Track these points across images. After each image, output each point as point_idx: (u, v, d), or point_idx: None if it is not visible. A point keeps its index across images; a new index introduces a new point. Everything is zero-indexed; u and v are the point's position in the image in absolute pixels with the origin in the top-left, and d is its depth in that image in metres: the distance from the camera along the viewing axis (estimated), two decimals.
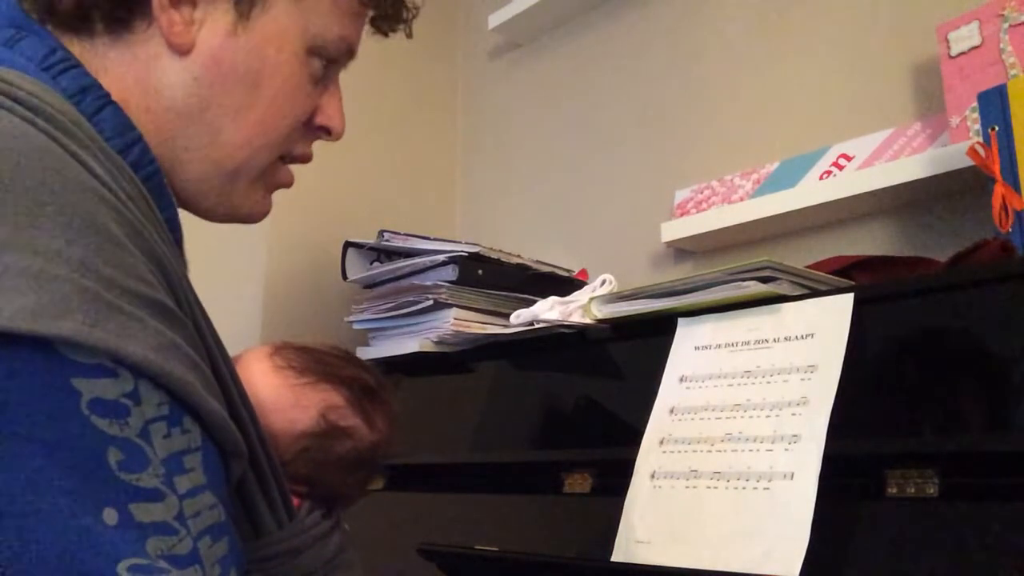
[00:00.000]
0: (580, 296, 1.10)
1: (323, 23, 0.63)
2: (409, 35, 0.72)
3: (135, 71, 0.58)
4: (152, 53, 0.58)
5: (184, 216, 0.66)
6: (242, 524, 0.57)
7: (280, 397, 0.75)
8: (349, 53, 0.66)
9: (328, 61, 0.65)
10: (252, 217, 0.68)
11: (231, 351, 0.80)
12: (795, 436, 0.78)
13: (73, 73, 0.55)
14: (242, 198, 0.65)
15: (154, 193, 0.56)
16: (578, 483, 0.98)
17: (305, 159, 0.68)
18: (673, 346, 0.95)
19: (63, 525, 0.41)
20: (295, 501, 0.70)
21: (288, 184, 0.69)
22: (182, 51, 0.58)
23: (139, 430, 0.44)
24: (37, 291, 0.42)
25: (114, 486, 0.43)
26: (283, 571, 0.63)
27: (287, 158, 0.67)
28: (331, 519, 0.74)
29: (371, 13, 0.68)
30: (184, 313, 0.51)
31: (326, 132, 0.68)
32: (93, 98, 0.55)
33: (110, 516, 0.42)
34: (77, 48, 0.58)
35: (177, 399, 0.46)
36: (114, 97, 0.57)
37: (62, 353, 0.42)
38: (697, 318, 0.94)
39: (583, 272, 1.47)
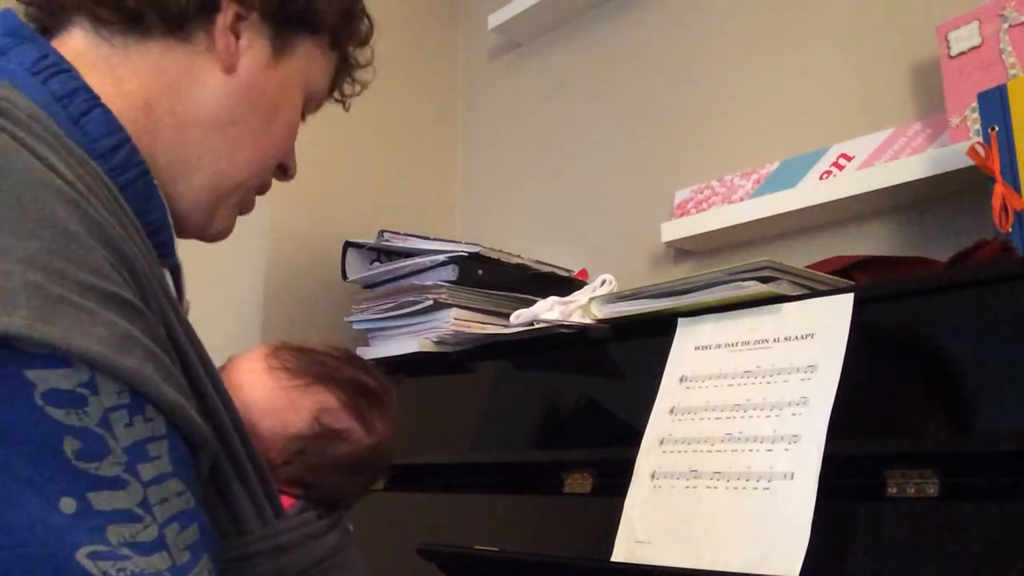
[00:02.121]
0: (580, 296, 1.10)
1: (318, 76, 0.73)
2: (346, 109, 0.84)
3: (172, 76, 0.63)
4: (197, 64, 0.64)
5: None
6: (222, 520, 0.57)
7: (273, 399, 0.75)
8: (318, 106, 0.77)
9: (305, 111, 0.74)
10: (220, 236, 0.72)
11: (231, 351, 0.80)
12: (795, 436, 0.78)
13: (62, 77, 0.57)
14: (221, 217, 0.70)
15: (140, 194, 0.58)
16: (578, 483, 0.98)
17: (266, 188, 0.75)
18: (673, 346, 0.95)
19: (21, 516, 0.41)
20: (290, 501, 0.70)
21: (249, 210, 0.75)
22: (229, 69, 0.65)
23: (99, 419, 0.44)
24: None
25: (71, 475, 0.43)
26: (269, 569, 0.63)
27: (258, 185, 0.74)
28: (328, 519, 0.73)
29: (336, 93, 0.80)
30: (152, 308, 0.51)
31: (283, 172, 0.76)
32: (81, 100, 0.56)
33: (67, 505, 0.42)
34: (94, 51, 0.61)
35: (134, 389, 0.47)
36: (140, 101, 0.61)
37: (14, 346, 0.42)
38: (697, 318, 0.94)
39: (583, 272, 1.47)
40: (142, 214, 0.57)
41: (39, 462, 0.42)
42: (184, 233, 0.69)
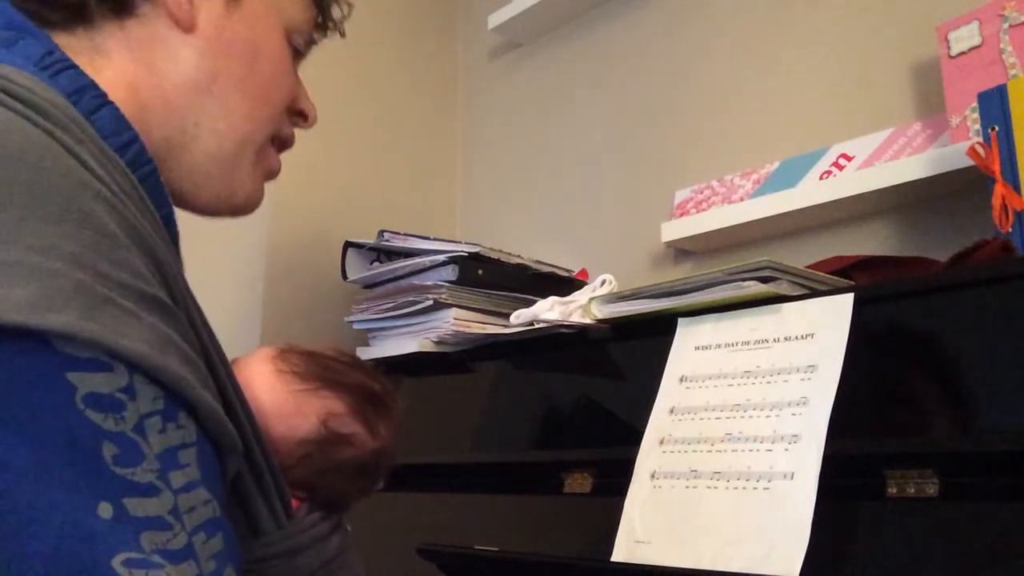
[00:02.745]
0: (580, 296, 1.10)
1: (294, 7, 0.69)
2: (342, 35, 0.78)
3: (141, 54, 0.61)
4: (157, 34, 0.62)
5: (184, 216, 0.67)
6: (239, 523, 0.57)
7: (281, 403, 0.75)
8: (308, 44, 0.72)
9: (295, 48, 0.70)
10: (249, 203, 0.70)
11: (232, 352, 0.80)
12: (795, 436, 0.78)
13: (70, 73, 0.56)
14: (243, 181, 0.68)
15: (151, 192, 0.57)
16: (578, 483, 0.98)
17: (290, 143, 0.73)
18: (673, 346, 0.95)
19: (59, 519, 0.41)
20: (294, 503, 0.70)
21: (277, 171, 0.72)
22: (188, 28, 0.62)
23: (134, 425, 0.44)
24: (31, 285, 0.42)
25: (109, 480, 0.43)
26: (281, 571, 0.63)
27: (276, 139, 0.71)
28: (331, 520, 0.74)
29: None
30: (179, 308, 0.51)
31: (303, 118, 0.73)
32: (90, 97, 0.55)
33: (105, 510, 0.42)
34: (77, 46, 0.59)
35: (172, 394, 0.46)
36: (123, 84, 0.59)
37: (56, 347, 0.42)
38: (697, 318, 0.94)
39: (583, 272, 1.47)
40: (156, 210, 0.57)
41: (79, 466, 0.42)
42: (211, 210, 0.68)
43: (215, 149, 0.64)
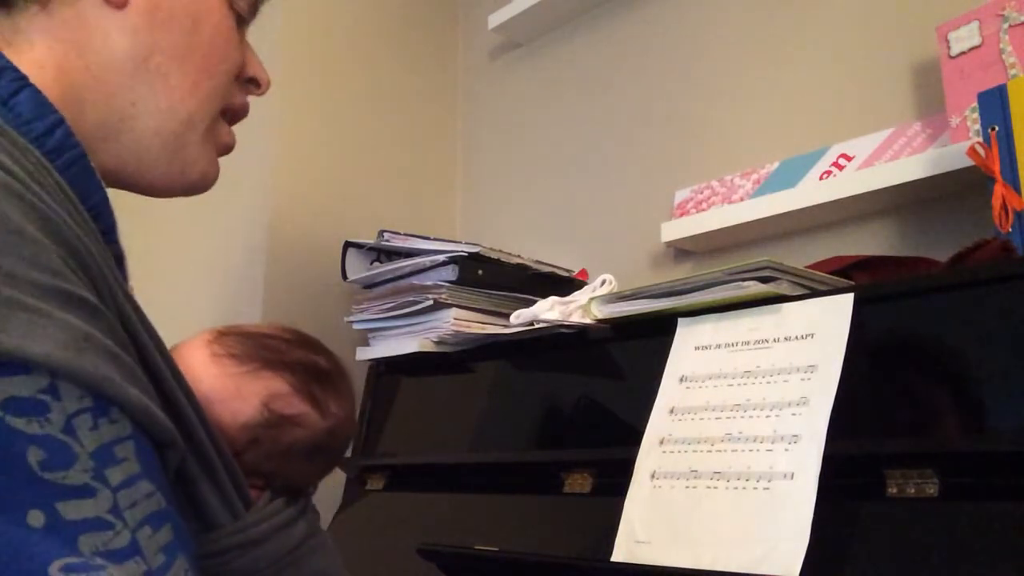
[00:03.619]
0: (580, 296, 1.10)
1: None
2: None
3: (69, 35, 0.58)
4: (86, 13, 0.59)
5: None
6: (190, 518, 0.56)
7: (220, 388, 0.71)
8: (253, 9, 0.69)
9: (238, 15, 0.67)
10: (204, 180, 0.67)
11: None
12: (795, 436, 0.78)
13: None
14: (194, 158, 0.65)
15: (79, 178, 0.54)
16: (578, 483, 0.98)
17: (243, 112, 0.70)
18: (673, 346, 0.95)
19: None
20: (255, 493, 0.68)
21: (231, 145, 0.70)
22: (119, 4, 0.59)
23: (62, 426, 0.42)
24: None
25: (38, 487, 0.41)
26: (243, 563, 0.62)
27: (228, 112, 0.68)
28: (296, 506, 0.71)
29: None
30: (106, 304, 0.49)
31: (255, 85, 0.70)
32: (8, 80, 0.53)
33: (35, 518, 0.40)
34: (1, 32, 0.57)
35: (96, 392, 0.45)
36: (49, 66, 0.57)
37: None
38: (697, 318, 0.94)
39: (583, 272, 1.47)
40: (83, 199, 0.54)
41: (3, 475, 0.40)
42: (163, 190, 0.65)
43: (157, 128, 0.62)
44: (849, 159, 1.22)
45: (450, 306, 1.28)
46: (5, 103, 0.52)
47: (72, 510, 0.42)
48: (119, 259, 0.60)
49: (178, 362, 0.72)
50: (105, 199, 0.57)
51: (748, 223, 1.26)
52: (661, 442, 0.88)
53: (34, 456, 0.41)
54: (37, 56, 0.57)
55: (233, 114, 0.69)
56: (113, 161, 0.61)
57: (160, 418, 0.49)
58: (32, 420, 0.41)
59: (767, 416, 0.81)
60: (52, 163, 0.52)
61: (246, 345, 0.74)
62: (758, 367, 0.85)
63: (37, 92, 0.54)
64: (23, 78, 0.54)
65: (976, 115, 1.01)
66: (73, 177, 0.53)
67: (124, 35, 0.60)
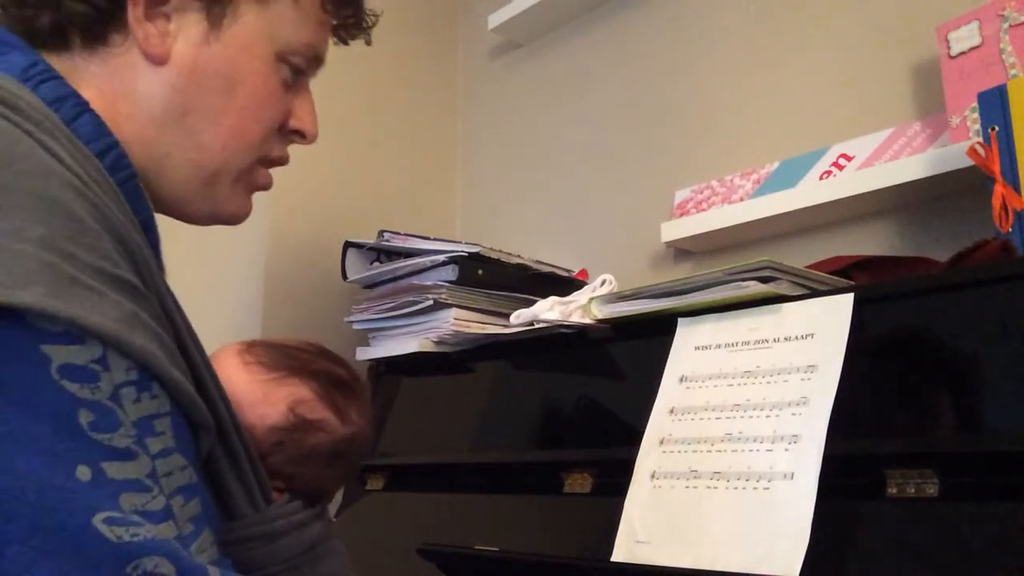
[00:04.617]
0: (580, 296, 1.10)
1: (290, 30, 0.67)
2: (368, 43, 0.77)
3: (115, 83, 0.62)
4: (130, 64, 0.62)
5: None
6: (215, 505, 0.58)
7: (250, 393, 0.76)
8: (316, 60, 0.71)
9: (296, 68, 0.68)
10: (236, 218, 0.70)
11: None
12: (795, 436, 0.78)
13: (52, 83, 0.57)
14: (224, 200, 0.68)
15: (130, 196, 0.58)
16: (578, 483, 0.98)
17: (282, 161, 0.72)
18: (673, 346, 0.95)
19: (38, 483, 0.43)
20: (275, 495, 0.71)
21: (266, 187, 0.72)
22: (159, 62, 0.62)
23: (110, 394, 0.46)
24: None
25: (86, 445, 0.45)
26: (259, 555, 0.64)
27: (265, 161, 0.70)
28: (312, 510, 0.75)
29: (333, 21, 0.71)
30: (150, 291, 0.53)
31: (300, 136, 0.72)
32: (71, 106, 0.57)
33: (83, 473, 0.44)
34: (57, 64, 0.60)
35: (142, 367, 0.49)
36: (97, 107, 0.59)
37: (30, 321, 0.44)
38: (697, 318, 0.94)
39: (583, 272, 1.47)
40: (134, 213, 0.58)
41: (56, 433, 0.44)
42: (203, 222, 0.69)
43: (188, 177, 0.65)
44: (849, 159, 1.22)
45: (450, 306, 1.28)
46: (68, 125, 0.56)
47: (115, 470, 0.46)
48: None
49: None
50: (151, 217, 0.61)
51: (748, 223, 1.26)
52: (661, 442, 0.88)
53: (84, 418, 0.45)
54: (91, 96, 0.60)
55: (271, 163, 0.71)
56: (155, 193, 0.64)
57: (197, 400, 0.53)
58: (84, 386, 0.46)
59: (767, 416, 0.81)
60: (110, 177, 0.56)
61: (274, 354, 0.80)
62: (758, 367, 0.85)
63: (96, 116, 0.58)
64: (84, 103, 0.58)
65: (976, 115, 1.01)
66: (126, 193, 0.57)
67: (163, 91, 0.62)
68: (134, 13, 0.61)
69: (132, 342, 0.48)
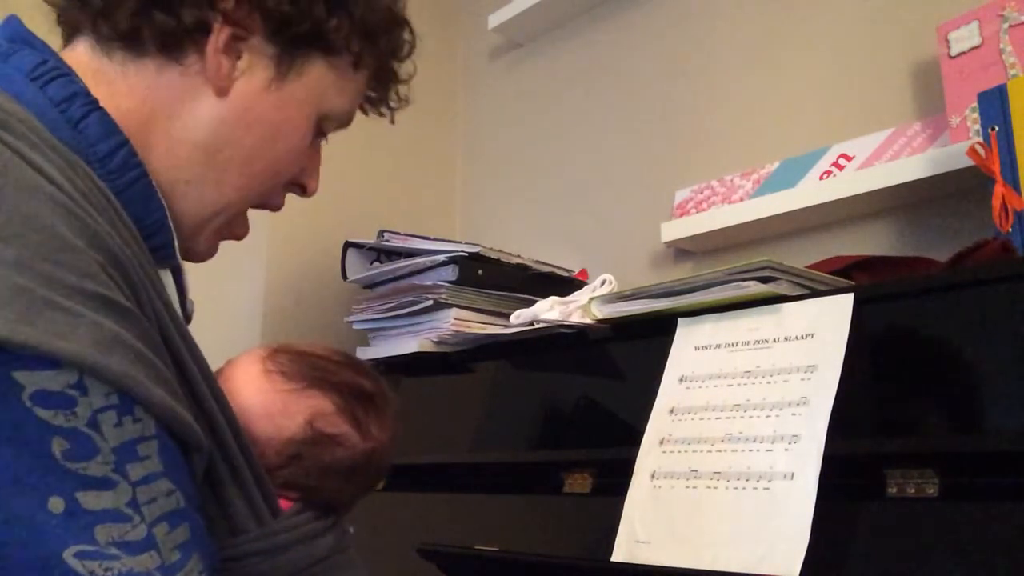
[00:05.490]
0: (580, 296, 1.10)
1: (337, 97, 0.70)
2: (392, 121, 0.82)
3: (166, 97, 0.62)
4: (191, 87, 0.62)
5: None
6: (217, 521, 0.58)
7: (269, 403, 0.74)
8: (344, 125, 0.74)
9: (325, 131, 0.71)
10: (200, 259, 0.71)
11: (231, 352, 0.80)
12: (795, 436, 0.78)
13: (61, 81, 0.57)
14: (204, 241, 0.69)
15: (139, 196, 0.58)
16: (578, 483, 0.98)
17: (276, 208, 0.73)
18: (673, 346, 0.95)
19: (6, 515, 0.42)
20: (285, 504, 0.69)
21: (242, 237, 0.73)
22: (220, 93, 0.63)
23: (87, 420, 0.45)
24: None
25: (59, 475, 0.43)
26: (264, 569, 0.63)
27: (261, 205, 0.72)
28: (324, 521, 0.73)
29: (371, 95, 0.76)
30: (145, 311, 0.52)
31: (301, 189, 0.74)
32: (80, 104, 0.56)
33: (56, 504, 0.43)
34: (105, 64, 0.61)
35: (119, 390, 0.47)
36: (135, 119, 0.60)
37: (2, 347, 0.43)
38: (697, 318, 0.94)
39: (583, 272, 1.47)
40: (141, 216, 0.58)
41: (27, 462, 0.42)
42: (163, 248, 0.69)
43: (195, 212, 0.65)
44: (849, 159, 1.22)
45: (450, 306, 1.28)
46: (75, 126, 0.55)
47: (91, 500, 0.44)
48: (176, 271, 0.65)
49: (230, 376, 0.74)
50: (164, 217, 0.61)
51: (748, 223, 1.26)
52: (661, 442, 0.88)
53: (58, 446, 0.44)
54: (129, 105, 0.60)
55: (263, 207, 0.72)
56: None
57: (185, 420, 0.51)
58: (58, 413, 0.44)
59: (767, 416, 0.81)
60: (114, 181, 0.56)
61: (296, 364, 0.77)
62: (758, 367, 0.85)
63: (105, 115, 0.57)
64: (93, 102, 0.57)
65: (976, 115, 1.01)
66: (135, 194, 0.57)
67: (211, 121, 0.63)
68: (214, 41, 0.62)
69: (108, 366, 0.46)
